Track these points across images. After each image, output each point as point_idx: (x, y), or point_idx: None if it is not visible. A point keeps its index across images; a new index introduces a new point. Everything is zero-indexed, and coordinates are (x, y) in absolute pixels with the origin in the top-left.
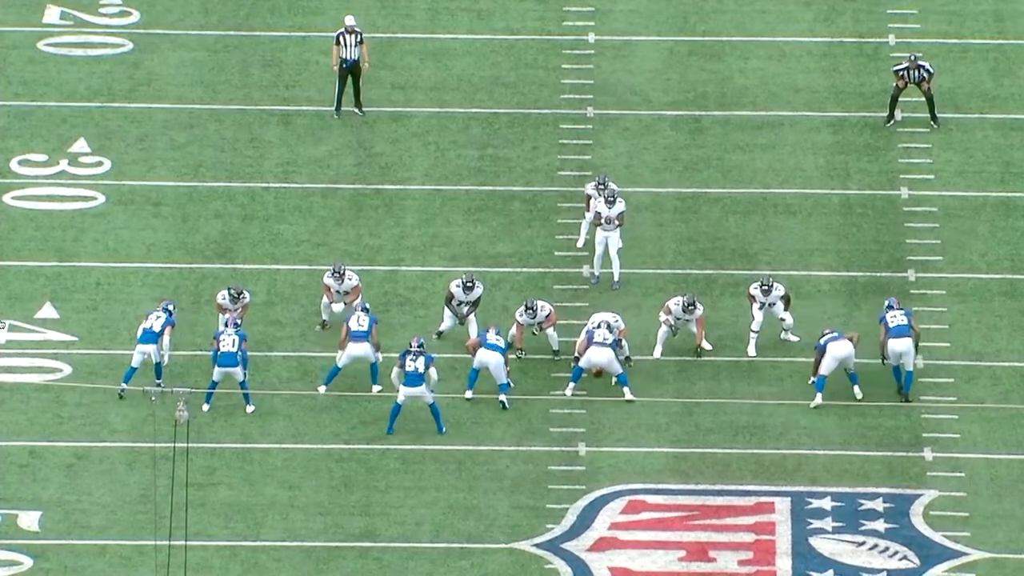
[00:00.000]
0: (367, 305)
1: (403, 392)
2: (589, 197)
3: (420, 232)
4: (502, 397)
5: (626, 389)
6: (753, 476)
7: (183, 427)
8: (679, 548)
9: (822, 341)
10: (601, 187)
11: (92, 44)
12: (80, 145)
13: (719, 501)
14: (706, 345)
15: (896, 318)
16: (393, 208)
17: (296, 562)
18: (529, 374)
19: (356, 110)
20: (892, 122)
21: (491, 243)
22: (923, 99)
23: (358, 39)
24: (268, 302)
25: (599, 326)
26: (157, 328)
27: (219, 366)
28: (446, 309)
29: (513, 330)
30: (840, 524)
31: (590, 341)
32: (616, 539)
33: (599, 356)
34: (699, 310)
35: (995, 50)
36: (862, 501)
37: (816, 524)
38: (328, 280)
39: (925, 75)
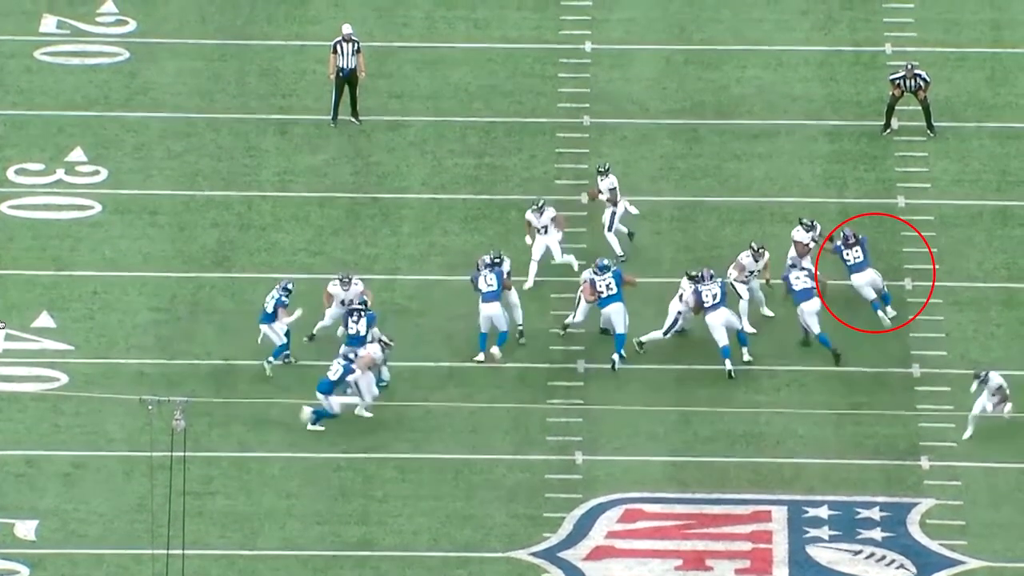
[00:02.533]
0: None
1: (344, 349)
2: (529, 223)
3: (417, 241)
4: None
5: (745, 349)
6: (750, 485)
7: (180, 436)
8: (676, 557)
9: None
10: (536, 212)
11: (89, 53)
12: (77, 154)
13: (716, 510)
14: (767, 312)
15: (801, 280)
16: (390, 217)
17: (293, 571)
18: (527, 383)
19: (353, 119)
20: (889, 131)
21: (488, 251)
22: (920, 108)
23: (355, 48)
24: (265, 311)
25: (702, 281)
26: (270, 309)
27: (319, 391)
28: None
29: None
30: (837, 533)
31: (700, 303)
32: (613, 548)
33: (718, 318)
34: (767, 254)
35: (992, 59)
36: (859, 510)
37: (813, 533)
38: (332, 289)
39: (922, 84)
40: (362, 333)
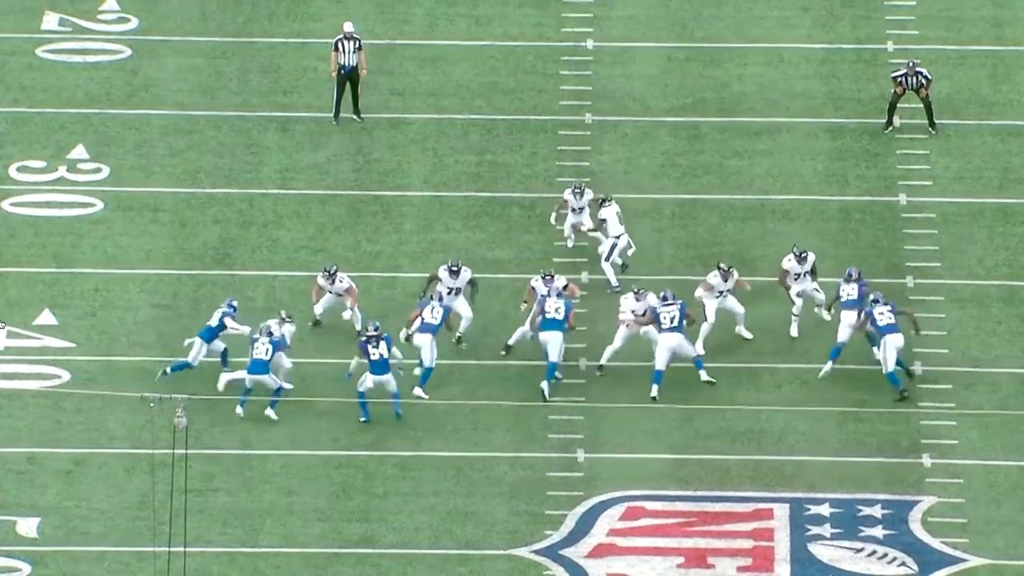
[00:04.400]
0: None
1: (371, 380)
2: (565, 201)
3: (419, 238)
4: (544, 384)
5: (703, 372)
6: (752, 482)
7: (182, 433)
8: (678, 554)
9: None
10: (577, 192)
11: (90, 51)
12: (79, 151)
13: (718, 507)
14: (746, 334)
15: (884, 316)
16: (391, 214)
17: (295, 568)
18: (528, 380)
19: (354, 116)
20: (890, 128)
21: (489, 249)
22: (921, 105)
23: (356, 45)
24: (266, 308)
25: (664, 303)
26: (214, 324)
27: (249, 373)
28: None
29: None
30: (839, 530)
31: (658, 326)
32: (615, 545)
33: (670, 341)
34: (735, 273)
35: (993, 56)
36: (861, 507)
37: (815, 530)
38: (321, 281)
39: (923, 81)
40: (385, 356)
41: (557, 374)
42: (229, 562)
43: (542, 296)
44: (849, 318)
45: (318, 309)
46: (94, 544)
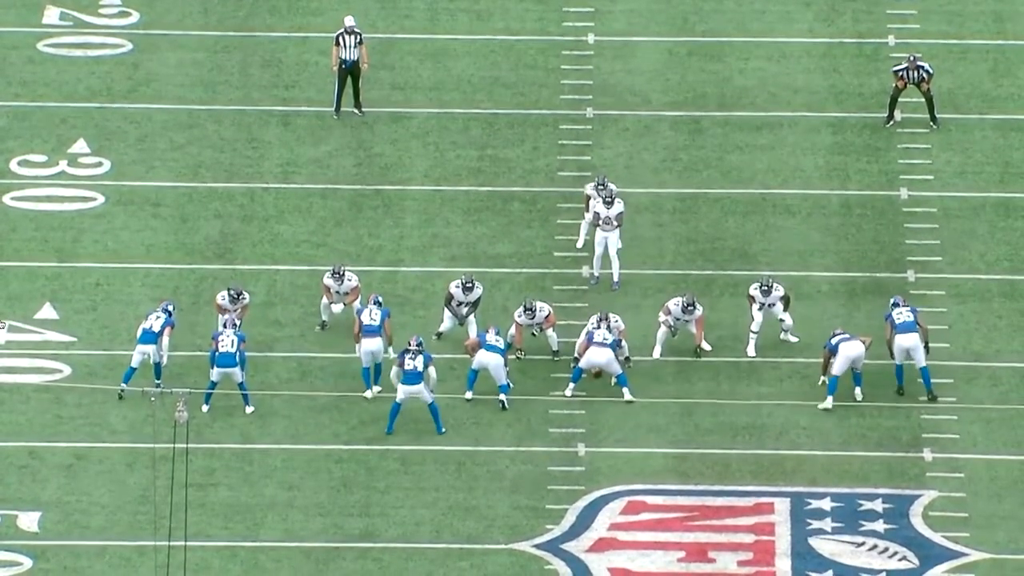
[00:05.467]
0: (380, 298)
1: (402, 390)
2: (588, 198)
3: (420, 232)
4: (502, 397)
5: (625, 390)
6: (752, 477)
7: (183, 427)
8: (679, 549)
9: (833, 341)
10: (600, 187)
11: (92, 45)
12: (80, 146)
13: (719, 502)
14: (705, 346)
15: (903, 315)
16: (392, 208)
17: (295, 562)
18: (528, 375)
19: (356, 110)
20: (892, 122)
21: (491, 243)
22: (923, 99)
23: (358, 40)
24: (268, 302)
25: (599, 326)
26: (157, 328)
27: (218, 367)
28: (445, 310)
29: (512, 330)
30: (839, 525)
31: (590, 341)
32: (616, 540)
33: (598, 356)
34: (699, 311)
35: (995, 50)
36: (861, 502)
37: (815, 525)
38: (328, 281)
39: (925, 75)
40: (419, 369)
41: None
42: (230, 556)
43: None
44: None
45: (326, 315)
46: (95, 538)
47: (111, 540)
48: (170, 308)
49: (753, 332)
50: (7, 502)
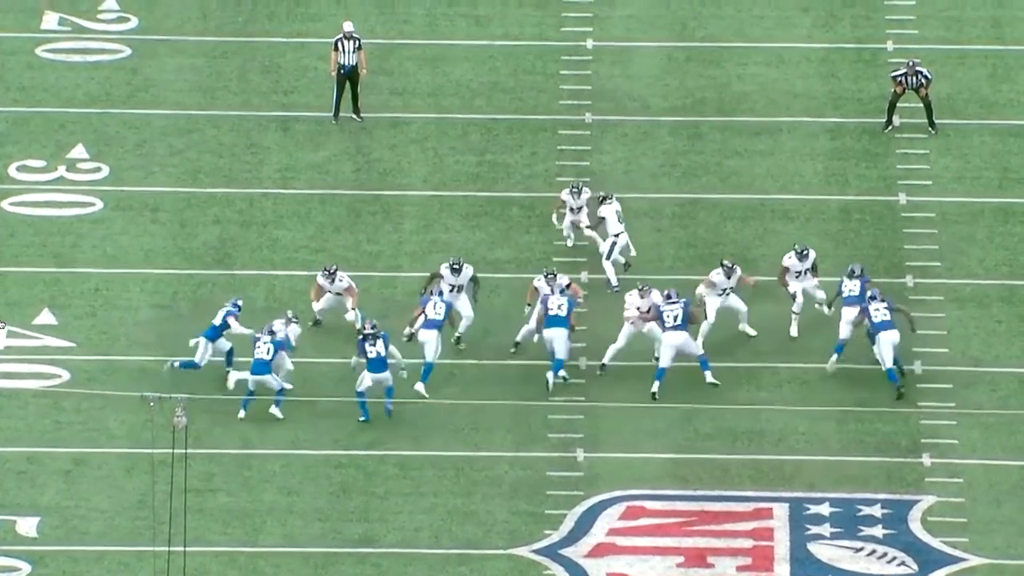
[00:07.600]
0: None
1: (369, 378)
2: (563, 201)
3: (419, 238)
4: (562, 374)
5: (707, 373)
6: (752, 482)
7: (181, 433)
8: (677, 554)
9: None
10: (575, 192)
11: (90, 50)
12: (78, 151)
13: (718, 507)
14: (750, 331)
15: (880, 312)
16: (391, 214)
17: (294, 568)
18: (528, 380)
19: (354, 116)
20: (890, 128)
21: (489, 249)
22: (921, 105)
23: (356, 45)
24: (266, 308)
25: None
26: (220, 323)
27: (252, 374)
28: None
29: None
30: (838, 530)
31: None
32: (614, 545)
33: (676, 339)
34: (738, 271)
35: (993, 56)
36: (860, 507)
37: (814, 530)
38: (321, 280)
39: (923, 81)
40: (382, 354)
41: (562, 373)
42: (229, 562)
43: (545, 295)
44: (849, 314)
45: (317, 307)
46: (94, 544)
47: (110, 545)
48: (239, 303)
49: (795, 312)
50: (5, 507)
